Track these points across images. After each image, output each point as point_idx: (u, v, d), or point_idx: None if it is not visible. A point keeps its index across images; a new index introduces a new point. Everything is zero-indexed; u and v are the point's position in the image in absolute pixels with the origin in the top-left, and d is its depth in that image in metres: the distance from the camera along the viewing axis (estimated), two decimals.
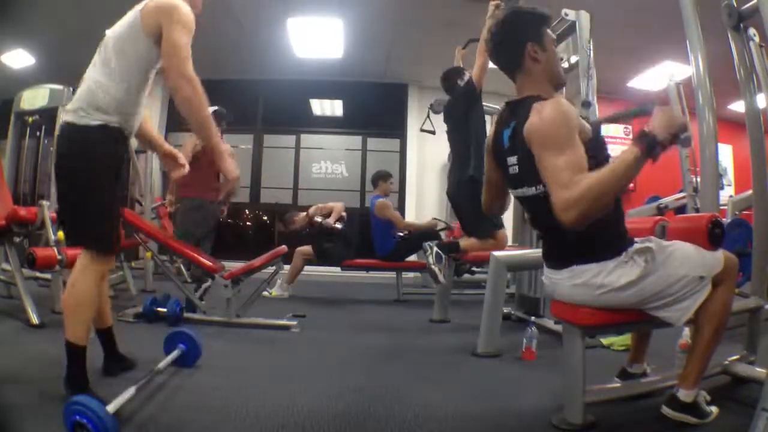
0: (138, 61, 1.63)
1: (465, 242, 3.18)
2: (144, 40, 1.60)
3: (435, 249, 3.08)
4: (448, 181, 3.31)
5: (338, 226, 4.48)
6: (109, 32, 1.67)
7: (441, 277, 3.08)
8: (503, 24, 1.48)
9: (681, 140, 1.19)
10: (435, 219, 4.77)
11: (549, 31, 1.48)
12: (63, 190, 1.63)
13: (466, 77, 3.14)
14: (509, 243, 3.33)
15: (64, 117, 1.62)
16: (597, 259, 1.36)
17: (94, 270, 1.58)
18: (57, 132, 1.65)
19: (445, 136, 3.47)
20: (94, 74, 1.61)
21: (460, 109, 3.19)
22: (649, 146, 1.17)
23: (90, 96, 1.57)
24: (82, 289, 1.58)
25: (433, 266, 3.05)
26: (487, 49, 1.58)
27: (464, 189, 3.10)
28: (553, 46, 1.47)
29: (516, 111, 1.42)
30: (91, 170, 1.57)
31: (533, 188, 1.38)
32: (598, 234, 1.34)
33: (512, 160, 1.44)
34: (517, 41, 1.44)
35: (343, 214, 4.63)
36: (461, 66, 3.29)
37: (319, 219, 4.52)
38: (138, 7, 1.64)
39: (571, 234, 1.33)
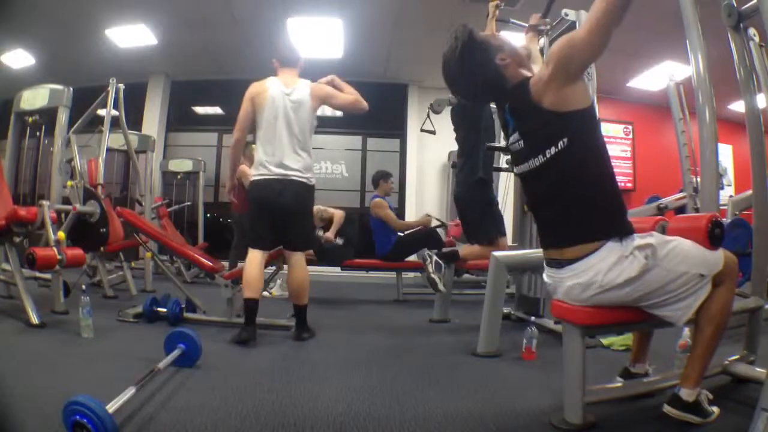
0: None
1: (465, 250, 3.17)
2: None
3: (434, 258, 3.09)
4: (456, 182, 3.30)
5: (338, 241, 4.40)
6: (288, 110, 2.64)
7: (440, 286, 3.08)
8: (466, 72, 1.48)
9: None
10: (428, 215, 4.78)
11: (479, 32, 1.50)
12: (302, 221, 2.69)
13: None
14: (509, 243, 3.33)
15: (299, 178, 2.62)
16: (596, 238, 1.35)
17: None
18: (294, 185, 2.61)
19: (445, 136, 3.47)
20: (306, 148, 2.66)
21: (467, 105, 3.15)
22: None
23: (310, 165, 2.67)
24: (307, 274, 2.69)
25: (432, 275, 3.06)
26: (469, 101, 1.59)
27: (472, 191, 3.09)
28: (499, 39, 1.51)
29: (512, 93, 1.46)
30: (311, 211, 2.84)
31: (540, 157, 1.40)
32: (599, 208, 1.38)
33: (515, 137, 1.48)
34: (490, 71, 1.46)
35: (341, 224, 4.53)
36: None
37: (319, 233, 4.48)
38: (303, 92, 2.67)
39: (573, 208, 1.39)
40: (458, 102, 3.30)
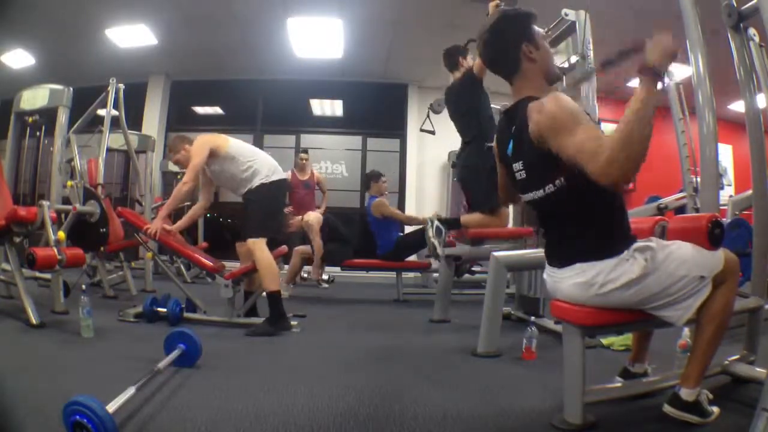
0: None
1: (466, 218, 3.18)
2: None
3: (435, 223, 3.08)
4: (458, 166, 3.32)
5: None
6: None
7: (440, 250, 3.07)
8: (494, 30, 1.49)
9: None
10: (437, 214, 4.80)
11: (537, 27, 1.49)
12: None
13: (468, 63, 3.13)
14: (509, 243, 3.33)
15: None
16: (600, 257, 1.35)
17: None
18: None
19: (445, 136, 3.46)
20: None
21: (461, 94, 3.16)
22: (655, 75, 1.20)
23: None
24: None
25: (432, 239, 3.04)
26: (480, 58, 1.58)
27: (469, 173, 3.15)
28: (544, 42, 1.49)
29: (513, 117, 1.45)
30: None
31: (541, 191, 1.40)
32: (600, 231, 1.37)
33: (518, 166, 1.46)
34: (512, 45, 1.45)
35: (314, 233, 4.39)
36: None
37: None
38: None
39: (576, 232, 1.38)
40: (450, 86, 3.29)
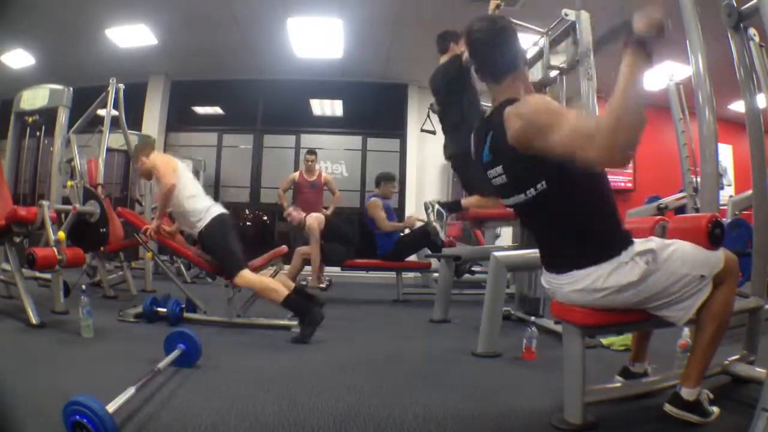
0: None
1: (466, 200, 3.17)
2: None
3: (437, 206, 3.08)
4: (444, 150, 3.31)
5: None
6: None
7: (442, 234, 3.06)
8: (498, 47, 1.45)
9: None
10: (410, 217, 4.80)
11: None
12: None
13: (458, 49, 3.09)
14: (509, 243, 3.33)
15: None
16: (595, 261, 1.35)
17: None
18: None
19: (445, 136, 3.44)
20: None
21: (444, 77, 3.14)
22: (638, 44, 1.15)
23: None
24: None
25: (434, 223, 3.04)
26: (474, 58, 1.53)
27: (457, 161, 3.15)
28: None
29: (490, 123, 1.44)
30: None
31: (523, 194, 1.38)
32: (592, 234, 1.36)
33: (497, 170, 1.43)
34: (519, 55, 1.46)
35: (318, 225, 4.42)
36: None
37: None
38: None
39: (564, 237, 1.38)
40: (435, 71, 3.27)
